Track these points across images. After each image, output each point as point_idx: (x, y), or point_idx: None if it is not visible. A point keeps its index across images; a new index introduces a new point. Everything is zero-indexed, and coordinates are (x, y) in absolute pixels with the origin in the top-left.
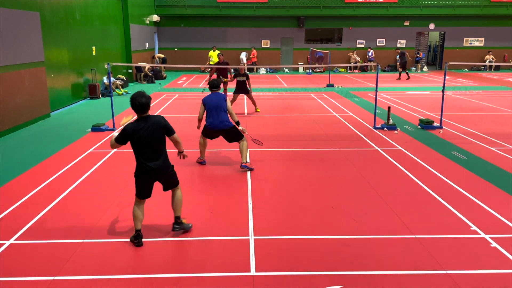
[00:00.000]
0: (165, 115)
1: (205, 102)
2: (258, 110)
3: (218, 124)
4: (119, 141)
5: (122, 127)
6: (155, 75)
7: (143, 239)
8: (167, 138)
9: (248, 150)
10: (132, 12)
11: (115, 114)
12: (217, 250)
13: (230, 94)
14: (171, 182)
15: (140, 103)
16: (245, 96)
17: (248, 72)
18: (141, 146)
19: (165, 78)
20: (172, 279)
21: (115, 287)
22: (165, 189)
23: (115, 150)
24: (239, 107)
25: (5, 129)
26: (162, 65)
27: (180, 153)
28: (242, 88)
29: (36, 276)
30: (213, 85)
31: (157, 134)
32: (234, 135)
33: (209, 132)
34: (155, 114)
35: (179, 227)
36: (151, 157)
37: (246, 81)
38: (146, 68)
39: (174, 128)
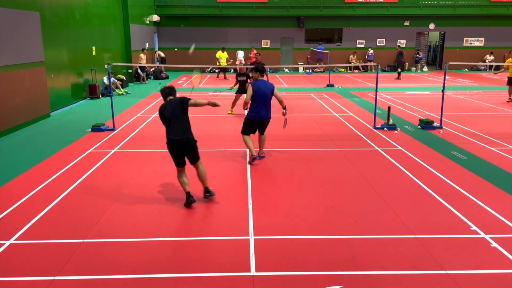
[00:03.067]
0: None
1: (255, 88)
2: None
3: (261, 117)
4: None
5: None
6: (155, 75)
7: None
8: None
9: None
10: (132, 12)
11: (115, 114)
12: (217, 250)
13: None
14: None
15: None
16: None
17: (250, 73)
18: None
19: (166, 78)
20: (172, 279)
21: (115, 287)
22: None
23: (115, 150)
24: (239, 107)
25: (5, 129)
26: (162, 65)
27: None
28: (244, 88)
29: (36, 276)
30: (258, 69)
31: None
32: (265, 127)
33: (250, 125)
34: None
35: (209, 194)
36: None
37: (248, 81)
38: (160, 55)
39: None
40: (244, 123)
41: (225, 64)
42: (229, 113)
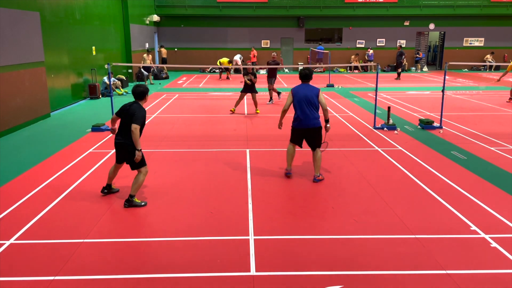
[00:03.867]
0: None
1: (294, 92)
2: (258, 111)
3: (306, 122)
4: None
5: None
6: (155, 76)
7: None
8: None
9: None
10: (132, 12)
11: None
12: (217, 250)
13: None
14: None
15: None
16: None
17: (256, 72)
18: None
19: (166, 78)
20: (172, 279)
21: (115, 287)
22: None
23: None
24: (240, 107)
25: (5, 129)
26: (164, 65)
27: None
28: (249, 87)
29: (36, 276)
30: (304, 76)
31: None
32: (316, 139)
33: (297, 135)
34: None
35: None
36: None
37: (253, 80)
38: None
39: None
40: (291, 130)
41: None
42: (231, 111)
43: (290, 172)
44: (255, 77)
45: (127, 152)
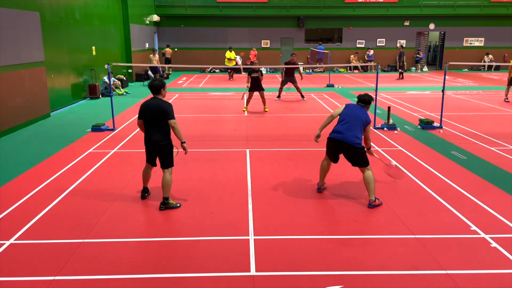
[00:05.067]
0: None
1: (347, 107)
2: (266, 109)
3: (345, 136)
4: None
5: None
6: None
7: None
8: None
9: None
10: (132, 12)
11: (115, 114)
12: (217, 250)
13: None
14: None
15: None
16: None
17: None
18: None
19: (167, 78)
20: (172, 279)
21: (115, 287)
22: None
23: (115, 150)
24: (240, 107)
25: (5, 129)
26: (166, 65)
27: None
28: (256, 85)
29: (36, 276)
30: (362, 100)
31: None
32: (359, 159)
33: (332, 146)
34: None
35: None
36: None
37: (260, 77)
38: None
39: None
40: (326, 141)
41: (234, 64)
42: (244, 110)
43: (321, 188)
44: (262, 74)
45: (160, 150)
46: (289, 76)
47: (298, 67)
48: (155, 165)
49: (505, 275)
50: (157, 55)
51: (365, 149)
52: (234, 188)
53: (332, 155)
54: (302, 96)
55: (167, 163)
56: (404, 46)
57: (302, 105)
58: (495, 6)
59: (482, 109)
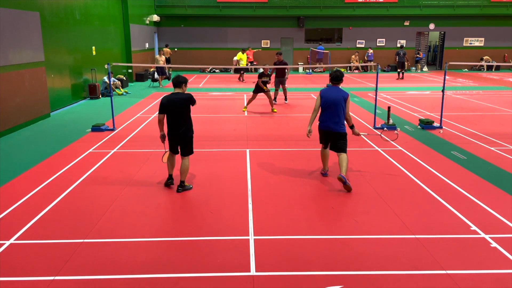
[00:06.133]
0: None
1: (322, 95)
2: (275, 110)
3: (330, 125)
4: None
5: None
6: (154, 76)
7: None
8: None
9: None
10: (132, 12)
11: (115, 114)
12: (217, 250)
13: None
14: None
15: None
16: (245, 97)
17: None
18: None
19: (167, 78)
20: (172, 279)
21: (115, 287)
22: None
23: (115, 150)
24: (240, 107)
25: (5, 129)
26: (166, 66)
27: None
28: (261, 88)
29: (36, 276)
30: (335, 78)
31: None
32: (340, 144)
33: (323, 134)
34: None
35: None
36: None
37: (268, 81)
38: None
39: None
40: (319, 135)
41: (245, 65)
42: (243, 110)
43: (326, 173)
44: (270, 79)
45: (184, 140)
46: (279, 77)
47: (287, 68)
48: (178, 153)
49: (505, 275)
50: (163, 56)
51: (351, 127)
52: (234, 188)
53: (325, 142)
54: (285, 99)
55: (188, 152)
56: (404, 46)
57: (302, 105)
58: (495, 6)
59: (482, 109)
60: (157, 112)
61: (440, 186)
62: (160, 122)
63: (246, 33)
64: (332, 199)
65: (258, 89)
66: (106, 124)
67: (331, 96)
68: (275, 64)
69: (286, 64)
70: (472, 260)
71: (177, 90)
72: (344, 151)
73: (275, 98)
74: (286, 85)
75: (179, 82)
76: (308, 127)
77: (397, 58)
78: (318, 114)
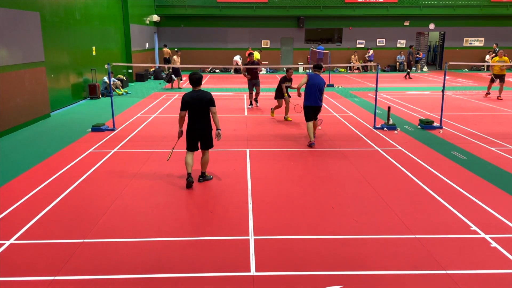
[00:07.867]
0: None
1: (310, 79)
2: (290, 119)
3: (315, 103)
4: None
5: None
6: (156, 75)
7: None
8: None
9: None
10: (132, 12)
11: (115, 114)
12: (217, 250)
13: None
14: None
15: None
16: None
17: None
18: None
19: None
20: (172, 279)
21: (115, 287)
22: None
23: (115, 150)
24: (241, 107)
25: (5, 129)
26: (166, 65)
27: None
28: (281, 93)
29: (36, 276)
30: (317, 66)
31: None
32: (317, 113)
33: (310, 112)
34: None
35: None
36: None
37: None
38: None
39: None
40: (304, 111)
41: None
42: (271, 116)
43: (314, 142)
44: (291, 83)
45: (205, 135)
46: (251, 79)
47: (259, 68)
48: (197, 149)
49: (505, 275)
50: (179, 57)
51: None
52: (234, 188)
53: (311, 116)
54: (256, 101)
55: (209, 145)
56: (403, 46)
57: (302, 105)
58: (495, 6)
59: (482, 109)
60: (179, 110)
61: (440, 186)
62: (182, 119)
63: (246, 33)
64: (332, 199)
65: (280, 95)
66: (106, 124)
67: (316, 81)
68: (246, 64)
69: (258, 64)
70: (472, 260)
71: (197, 88)
72: (316, 119)
73: (251, 102)
74: (260, 87)
75: (199, 80)
76: (298, 91)
77: (410, 58)
78: (304, 95)
